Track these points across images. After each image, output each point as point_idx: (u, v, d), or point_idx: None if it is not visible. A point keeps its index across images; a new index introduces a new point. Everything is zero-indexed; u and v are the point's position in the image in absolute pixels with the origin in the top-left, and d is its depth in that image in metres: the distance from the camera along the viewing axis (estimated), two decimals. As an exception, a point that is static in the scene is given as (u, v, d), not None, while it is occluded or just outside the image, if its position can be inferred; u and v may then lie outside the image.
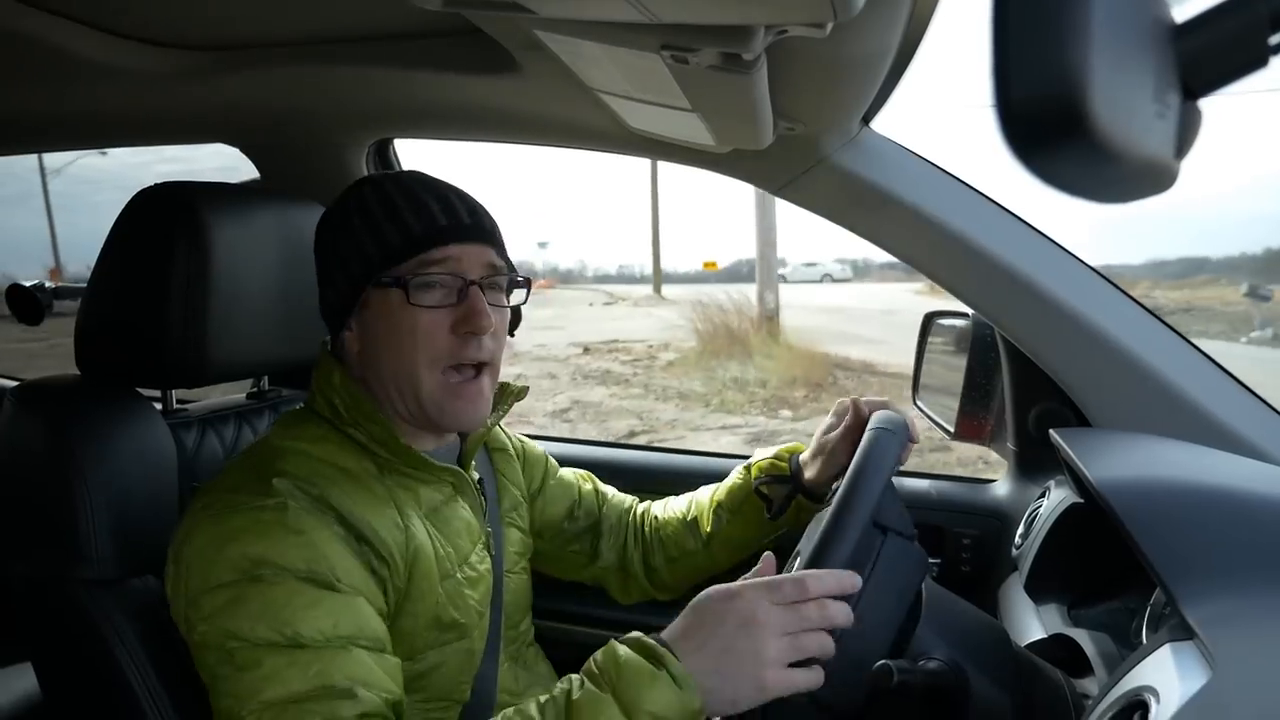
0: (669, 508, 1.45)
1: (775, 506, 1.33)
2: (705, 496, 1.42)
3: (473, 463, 1.22)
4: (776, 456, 1.36)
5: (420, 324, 1.05)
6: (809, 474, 1.30)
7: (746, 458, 1.83)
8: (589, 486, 1.47)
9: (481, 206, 1.12)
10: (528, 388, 1.26)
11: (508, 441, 1.38)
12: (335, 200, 1.13)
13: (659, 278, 23.55)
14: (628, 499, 1.50)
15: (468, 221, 1.08)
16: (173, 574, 0.98)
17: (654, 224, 22.55)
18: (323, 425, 1.09)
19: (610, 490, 1.50)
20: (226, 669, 0.90)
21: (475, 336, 1.06)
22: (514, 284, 1.15)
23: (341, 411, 1.08)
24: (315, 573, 0.93)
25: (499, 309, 1.11)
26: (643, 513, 1.48)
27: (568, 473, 1.46)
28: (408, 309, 1.04)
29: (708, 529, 1.37)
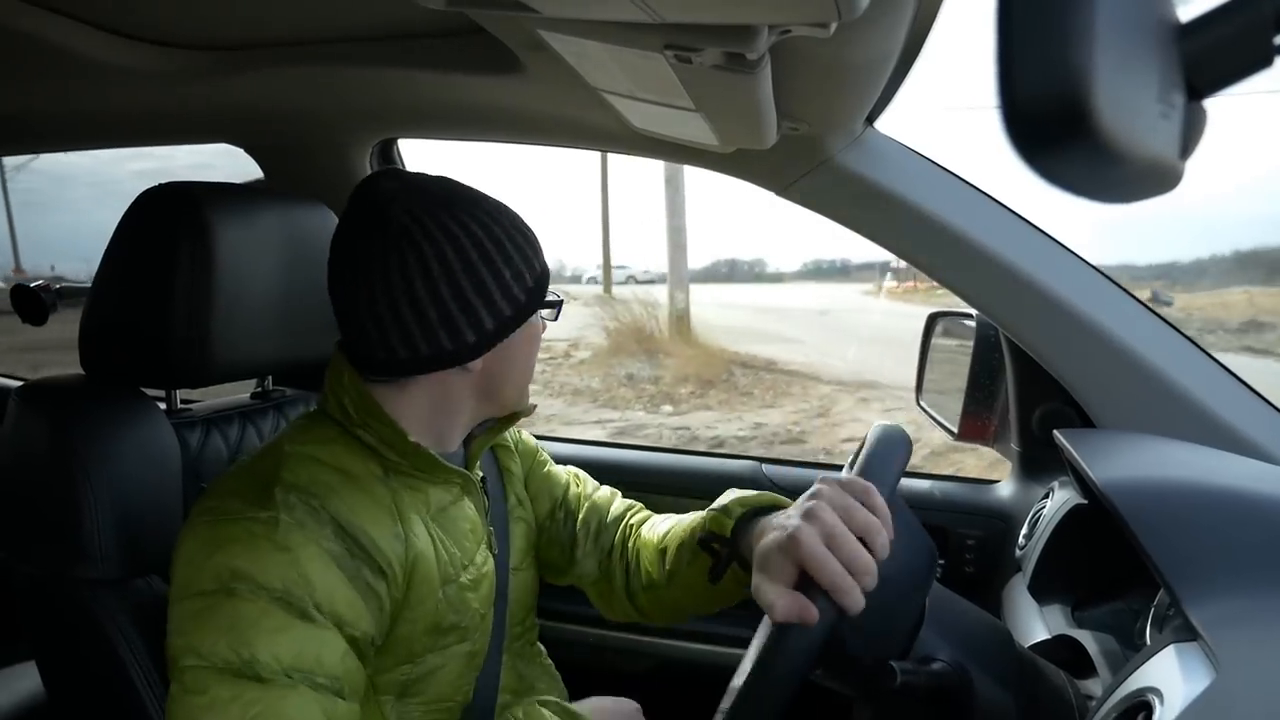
0: (654, 527, 1.30)
1: (717, 567, 1.12)
2: (685, 524, 1.24)
3: (478, 462, 1.22)
4: (725, 510, 1.15)
5: (540, 339, 1.18)
6: (753, 539, 1.01)
7: (754, 458, 1.83)
8: (575, 489, 1.39)
9: None
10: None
11: (506, 435, 1.36)
12: (453, 229, 1.03)
13: (608, 277, 23.56)
14: (621, 505, 1.39)
15: None
16: (171, 574, 0.98)
17: (604, 222, 22.53)
18: (333, 427, 1.08)
19: (601, 493, 1.41)
20: (175, 687, 0.90)
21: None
22: (553, 304, 1.24)
23: (351, 412, 1.07)
24: (291, 595, 0.92)
25: None
26: (635, 524, 1.35)
27: (558, 470, 1.41)
28: (539, 326, 1.17)
29: (669, 566, 1.22)
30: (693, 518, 1.24)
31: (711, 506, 1.18)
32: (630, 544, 1.33)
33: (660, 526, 1.30)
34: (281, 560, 0.92)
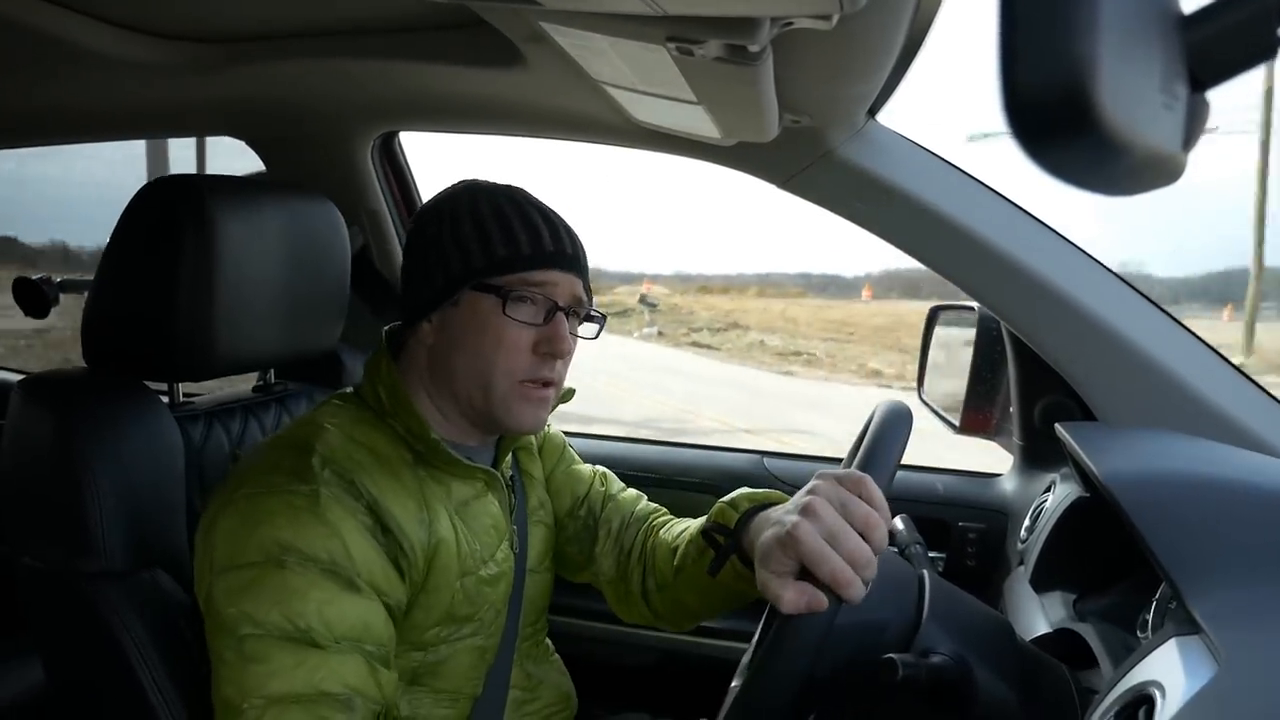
0: (671, 529, 1.30)
1: (716, 560, 1.08)
2: (697, 522, 1.23)
3: (508, 458, 1.23)
4: (733, 503, 1.14)
5: (507, 335, 1.08)
6: (753, 535, 0.99)
7: (756, 451, 1.83)
8: (600, 487, 1.39)
9: (579, 239, 1.15)
10: (574, 390, 1.25)
11: (530, 437, 1.35)
12: (442, 197, 1.15)
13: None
14: (646, 508, 1.37)
15: (569, 251, 1.12)
16: (202, 549, 0.99)
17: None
18: (368, 411, 1.11)
19: (627, 494, 1.39)
20: (233, 656, 0.91)
21: (552, 359, 1.10)
22: (589, 317, 1.17)
23: (385, 401, 1.11)
24: (337, 566, 0.95)
25: (575, 338, 1.15)
26: (657, 526, 1.32)
27: (584, 469, 1.41)
28: (499, 317, 1.07)
29: (677, 561, 1.22)
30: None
31: (721, 500, 1.16)
32: (649, 545, 1.31)
33: (677, 527, 1.29)
34: (324, 533, 0.95)
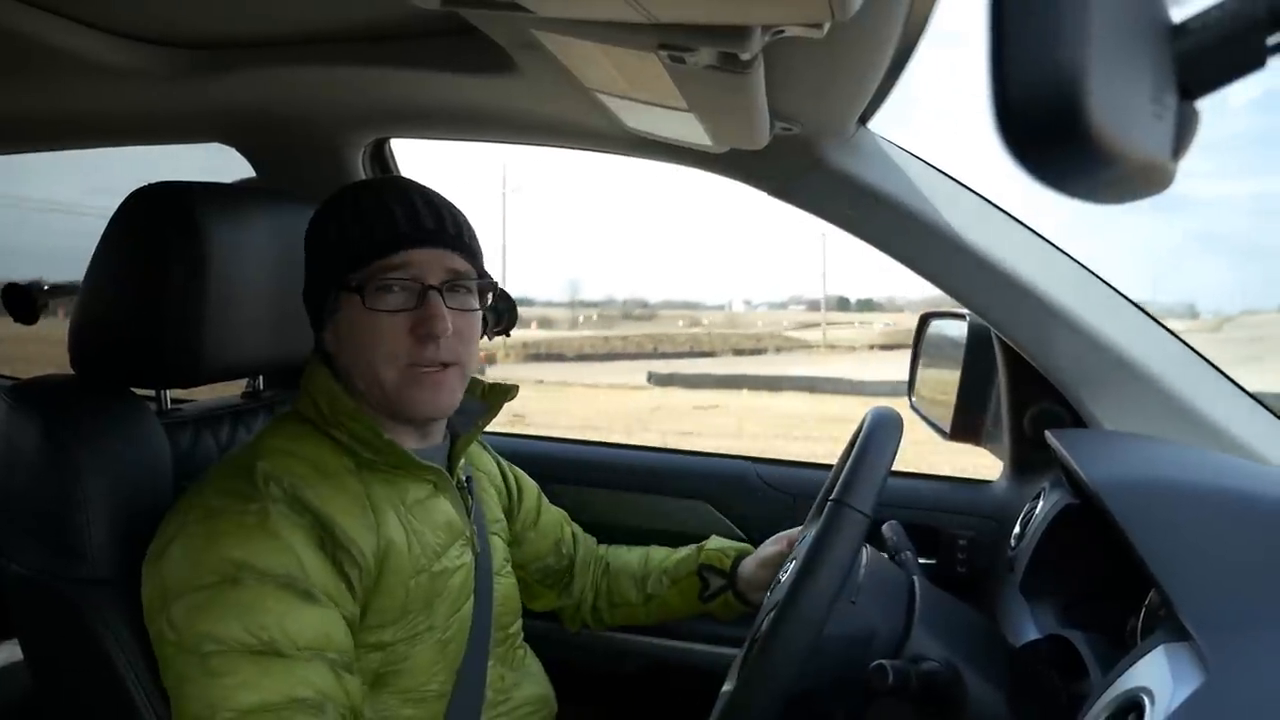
0: (621, 557, 1.54)
1: (707, 591, 1.46)
2: (658, 557, 1.52)
3: (461, 463, 1.24)
4: (724, 550, 1.48)
5: (380, 327, 1.07)
6: (744, 579, 1.43)
7: (746, 458, 1.83)
8: (568, 529, 1.54)
9: (452, 212, 1.13)
10: (517, 386, 1.26)
11: (498, 474, 1.43)
12: (322, 204, 1.15)
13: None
14: (592, 540, 1.58)
15: (430, 226, 1.09)
16: (152, 577, 1.00)
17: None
18: (305, 425, 1.12)
19: (579, 531, 1.58)
20: (198, 673, 0.92)
21: (433, 339, 1.08)
22: (485, 287, 1.16)
23: (325, 412, 1.10)
24: (292, 579, 0.96)
25: (465, 312, 1.12)
26: (602, 555, 1.56)
27: (554, 511, 1.52)
28: (366, 313, 1.07)
29: (649, 590, 1.49)
30: (668, 553, 1.51)
31: (703, 544, 1.50)
32: (603, 575, 1.54)
33: (630, 556, 1.54)
34: (276, 547, 0.96)
